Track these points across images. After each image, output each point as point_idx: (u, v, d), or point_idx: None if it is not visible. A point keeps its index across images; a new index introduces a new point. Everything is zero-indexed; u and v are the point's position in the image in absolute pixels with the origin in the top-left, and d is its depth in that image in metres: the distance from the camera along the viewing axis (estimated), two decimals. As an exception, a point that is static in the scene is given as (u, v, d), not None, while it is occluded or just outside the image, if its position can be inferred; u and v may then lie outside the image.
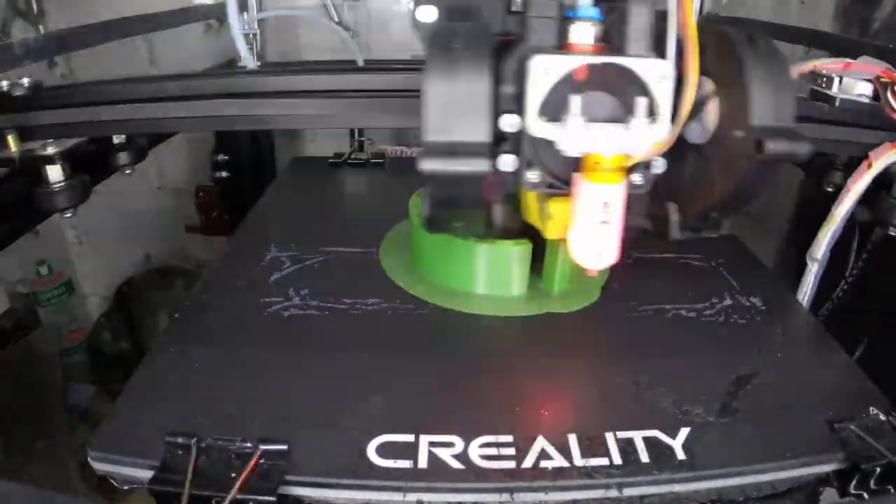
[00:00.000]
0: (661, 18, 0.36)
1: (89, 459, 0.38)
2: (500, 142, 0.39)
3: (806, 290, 0.60)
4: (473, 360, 0.49)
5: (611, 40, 0.38)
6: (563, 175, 0.39)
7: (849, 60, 0.59)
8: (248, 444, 0.37)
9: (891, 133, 0.55)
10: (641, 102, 0.34)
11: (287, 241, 0.63)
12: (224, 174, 1.11)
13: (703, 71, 0.37)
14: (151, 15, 0.81)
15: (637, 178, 0.41)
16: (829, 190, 0.61)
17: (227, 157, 1.10)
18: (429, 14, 0.38)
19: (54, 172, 0.55)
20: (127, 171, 0.66)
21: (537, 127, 0.36)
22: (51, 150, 0.55)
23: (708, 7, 1.06)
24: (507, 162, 0.39)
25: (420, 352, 0.49)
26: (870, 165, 0.54)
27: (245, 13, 1.09)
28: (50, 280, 1.24)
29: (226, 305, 0.53)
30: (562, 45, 0.38)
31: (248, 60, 0.87)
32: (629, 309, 0.54)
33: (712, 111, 0.38)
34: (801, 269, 0.72)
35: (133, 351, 1.25)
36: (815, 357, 0.49)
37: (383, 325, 0.51)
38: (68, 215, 0.57)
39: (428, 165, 0.33)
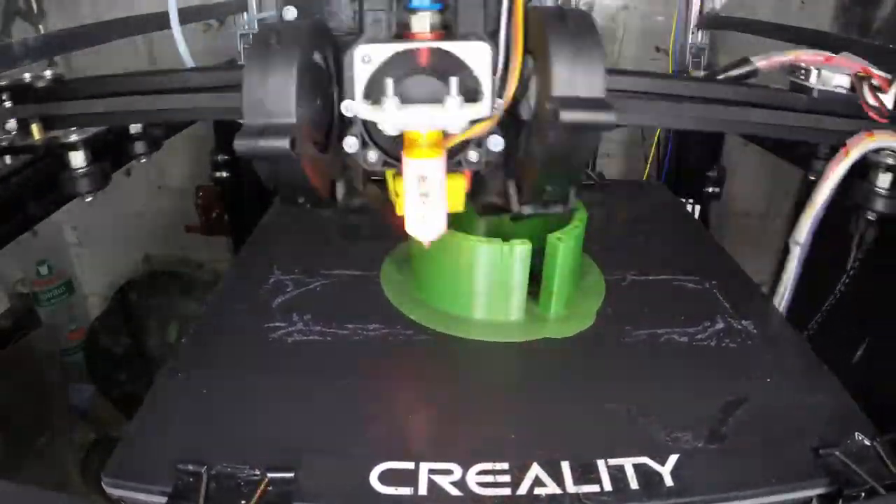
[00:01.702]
0: (498, 2, 0.39)
1: (103, 485, 0.39)
2: (349, 125, 0.43)
3: (790, 275, 0.61)
4: (472, 387, 0.50)
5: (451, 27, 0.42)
6: (397, 154, 0.41)
7: (830, 54, 0.60)
8: (256, 472, 0.38)
9: (867, 122, 0.57)
10: (453, 81, 0.37)
11: (290, 263, 0.63)
12: (224, 174, 1.11)
13: (529, 50, 0.39)
14: (151, 15, 0.80)
15: (472, 155, 0.43)
16: (812, 178, 0.62)
17: (227, 157, 1.10)
18: (291, 13, 0.43)
19: (77, 158, 0.58)
20: (142, 160, 0.70)
21: (361, 109, 0.39)
22: (74, 138, 0.58)
23: (708, 7, 1.06)
24: (350, 143, 0.43)
25: (420, 379, 0.50)
26: (847, 153, 0.56)
27: (245, 13, 1.09)
28: (50, 280, 1.24)
29: (232, 331, 0.54)
30: (405, 35, 0.41)
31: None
32: (623, 334, 0.55)
33: (534, 87, 0.40)
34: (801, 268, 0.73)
35: (132, 351, 1.25)
36: (804, 382, 0.50)
37: (384, 352, 0.52)
38: (89, 199, 0.60)
39: (238, 144, 0.35)
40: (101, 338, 1.26)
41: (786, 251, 0.62)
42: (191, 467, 0.38)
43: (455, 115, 0.38)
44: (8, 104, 0.57)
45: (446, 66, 0.39)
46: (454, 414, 0.46)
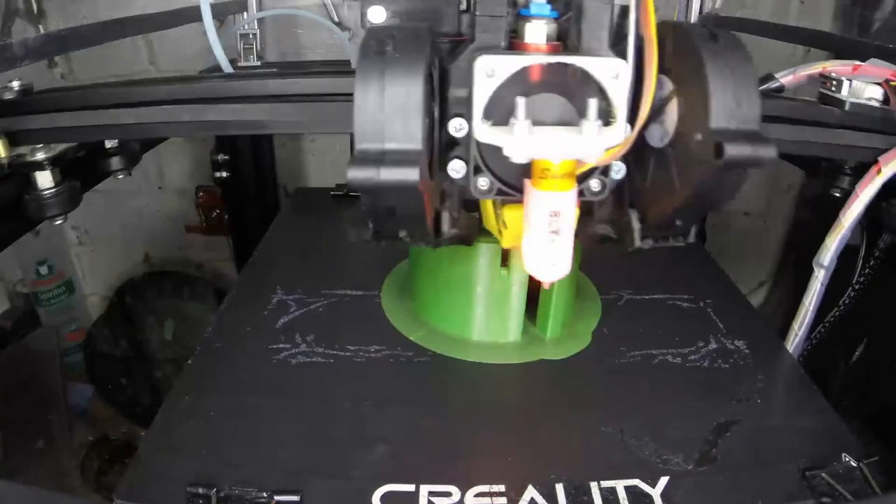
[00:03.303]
0: (621, 15, 0.35)
1: None
2: (452, 147, 0.38)
3: (812, 297, 0.59)
4: (471, 409, 0.51)
5: (568, 39, 0.37)
6: (514, 181, 0.37)
7: (858, 63, 0.57)
8: (264, 495, 0.39)
9: (900, 138, 0.53)
10: (592, 104, 0.32)
11: (292, 283, 0.64)
12: (224, 174, 1.11)
13: (664, 70, 0.34)
14: (151, 15, 0.80)
15: (595, 184, 0.38)
16: (837, 195, 0.59)
17: (227, 157, 1.10)
18: (378, 15, 0.37)
19: (44, 179, 0.52)
20: (119, 176, 0.63)
21: (482, 132, 0.34)
22: (40, 156, 0.52)
23: (708, 7, 1.06)
24: (456, 168, 0.38)
25: (420, 401, 0.51)
26: (879, 171, 0.52)
27: (245, 13, 1.09)
28: (50, 280, 1.24)
29: (236, 353, 0.54)
30: (516, 45, 0.36)
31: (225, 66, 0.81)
32: (618, 355, 0.55)
33: (673, 113, 0.35)
34: (799, 268, 0.72)
35: (132, 352, 1.25)
36: (794, 403, 0.51)
37: (385, 374, 0.52)
38: (59, 222, 0.55)
39: (353, 174, 0.30)
40: (100, 338, 1.26)
41: (787, 252, 0.62)
42: (201, 490, 0.39)
43: (594, 143, 0.32)
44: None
45: (574, 84, 0.34)
46: (454, 436, 0.47)
